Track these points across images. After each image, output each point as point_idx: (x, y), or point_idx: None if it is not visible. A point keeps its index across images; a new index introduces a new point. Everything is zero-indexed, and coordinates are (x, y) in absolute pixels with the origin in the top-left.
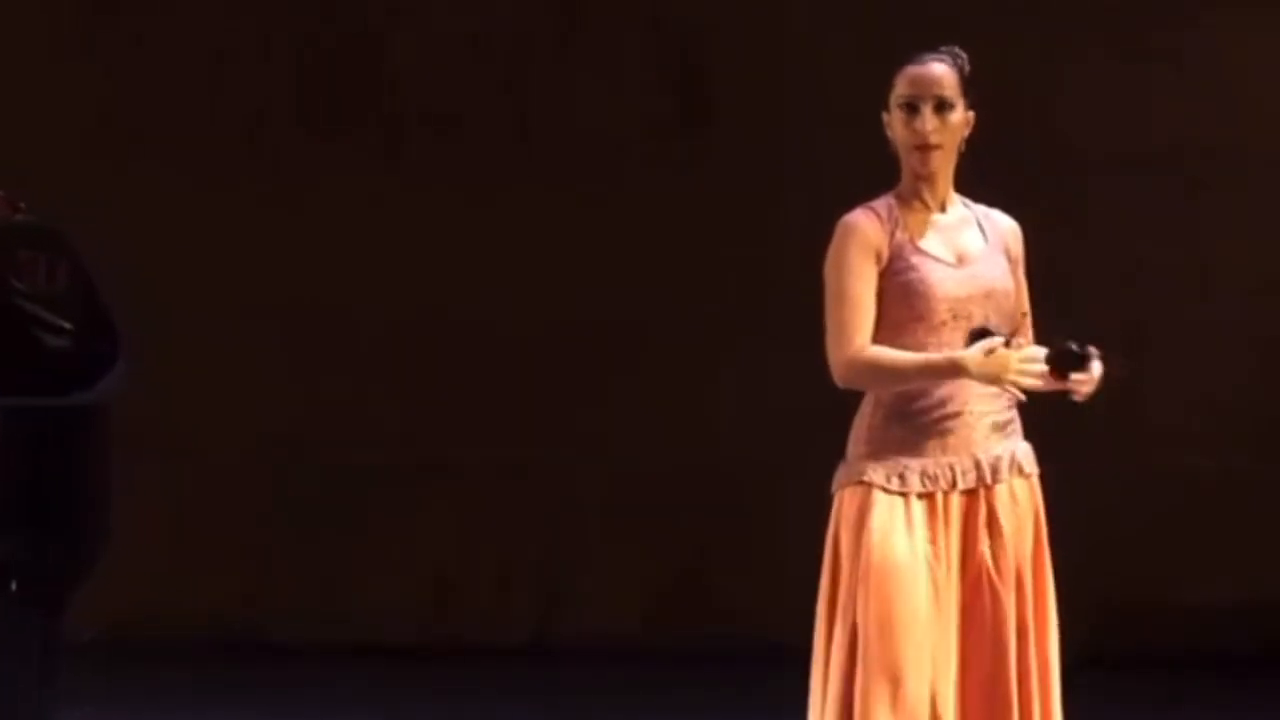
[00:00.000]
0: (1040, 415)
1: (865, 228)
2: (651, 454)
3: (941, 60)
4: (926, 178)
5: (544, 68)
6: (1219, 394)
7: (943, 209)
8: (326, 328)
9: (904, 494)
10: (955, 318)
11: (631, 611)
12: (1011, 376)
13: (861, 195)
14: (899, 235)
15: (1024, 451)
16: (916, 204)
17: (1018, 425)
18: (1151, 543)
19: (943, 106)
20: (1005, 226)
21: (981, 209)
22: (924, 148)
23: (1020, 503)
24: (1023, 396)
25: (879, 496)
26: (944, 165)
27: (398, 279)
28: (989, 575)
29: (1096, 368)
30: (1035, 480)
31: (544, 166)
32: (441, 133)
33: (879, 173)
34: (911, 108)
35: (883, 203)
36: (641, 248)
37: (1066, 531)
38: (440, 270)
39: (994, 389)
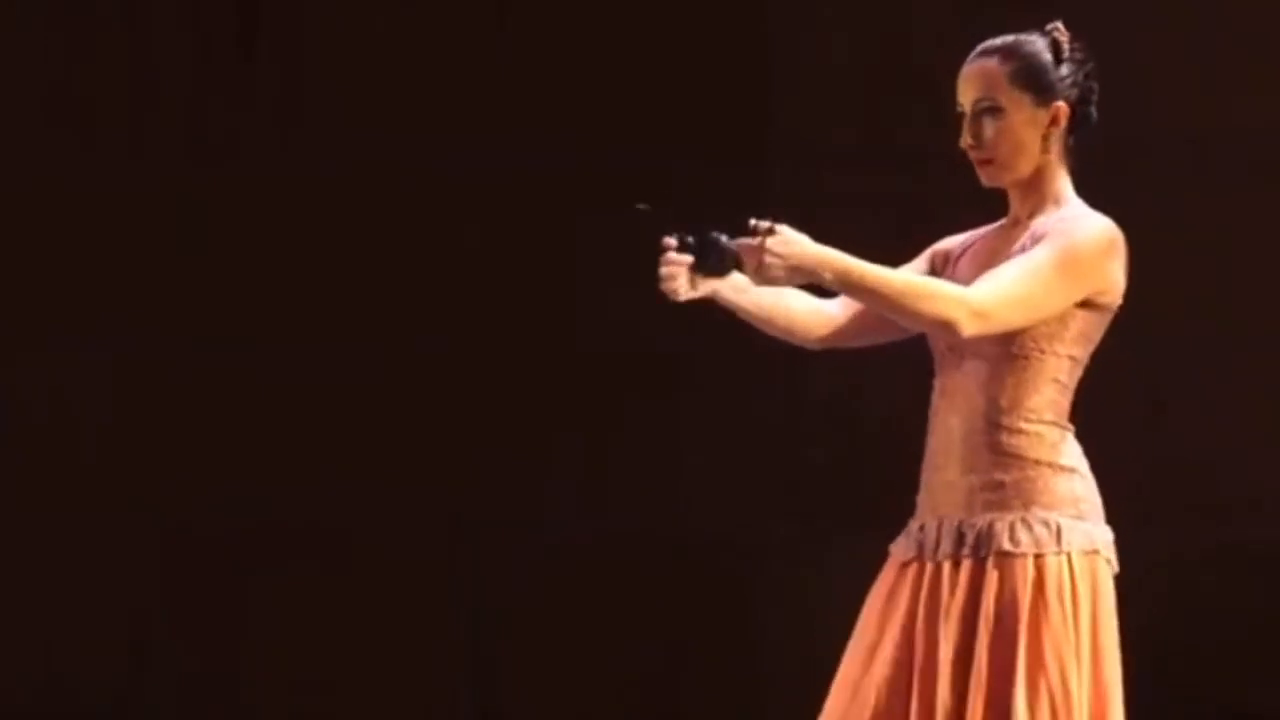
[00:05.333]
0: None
1: (940, 243)
2: (602, 531)
3: (989, 55)
4: (1008, 190)
5: None
6: None
7: (1017, 222)
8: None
9: (900, 561)
10: (950, 348)
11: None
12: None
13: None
14: (957, 252)
15: (1012, 523)
16: (1007, 219)
17: (1031, 490)
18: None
19: (987, 112)
20: (1053, 224)
21: (1064, 213)
22: (977, 164)
23: (989, 589)
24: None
25: (887, 563)
26: (1014, 176)
27: (294, 322)
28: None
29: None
30: (1037, 561)
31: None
32: None
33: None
34: (961, 115)
35: (993, 225)
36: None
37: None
38: (346, 313)
39: (989, 441)
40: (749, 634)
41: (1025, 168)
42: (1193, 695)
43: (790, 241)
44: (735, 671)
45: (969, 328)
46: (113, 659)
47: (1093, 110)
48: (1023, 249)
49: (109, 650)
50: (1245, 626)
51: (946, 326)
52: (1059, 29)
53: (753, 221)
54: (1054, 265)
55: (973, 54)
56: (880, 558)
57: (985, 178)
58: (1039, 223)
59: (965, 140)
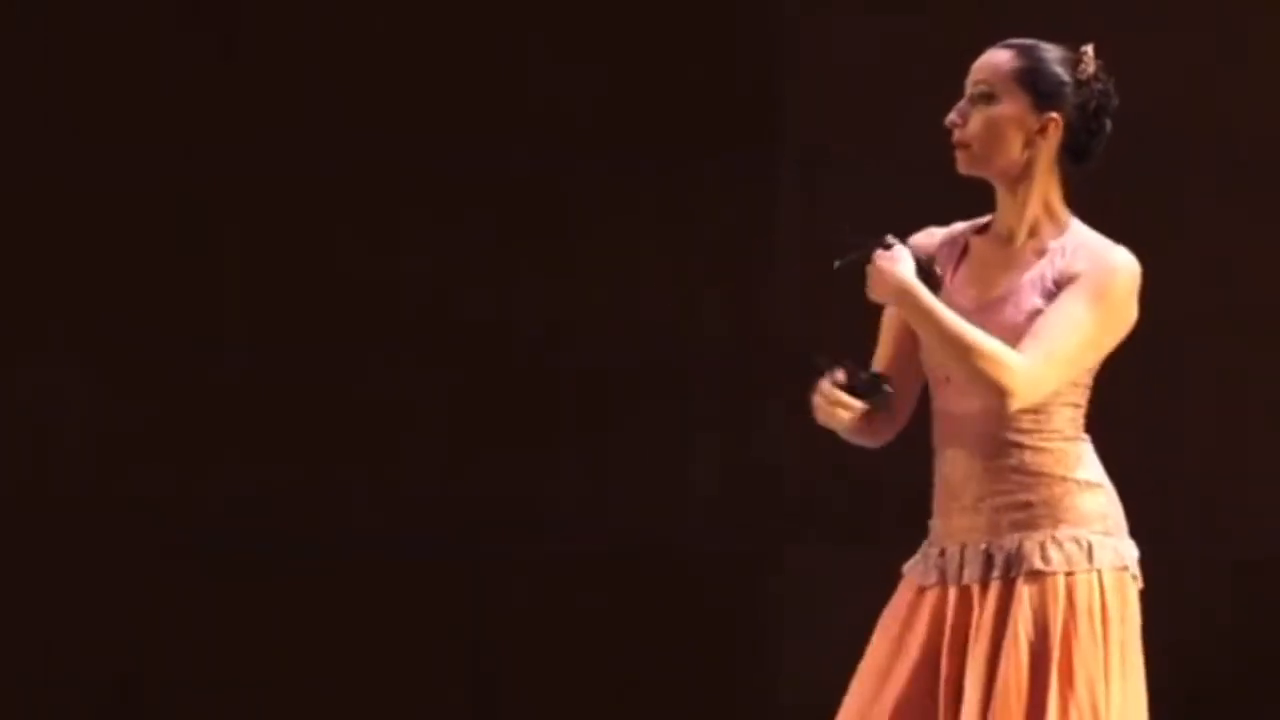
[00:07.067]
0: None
1: (918, 240)
2: (603, 534)
3: (1006, 47)
4: (997, 195)
5: None
6: None
7: (1011, 239)
8: (217, 375)
9: (918, 585)
10: (949, 378)
11: None
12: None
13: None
14: (943, 261)
15: (1042, 542)
16: (991, 232)
17: (1058, 508)
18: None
19: (982, 97)
20: (1077, 260)
21: (1075, 240)
22: (955, 145)
23: (1020, 608)
24: None
25: (901, 586)
26: (986, 170)
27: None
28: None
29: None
30: (1068, 580)
31: None
32: None
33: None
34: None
35: (965, 226)
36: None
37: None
38: (346, 313)
39: (1012, 463)
40: (749, 638)
41: (999, 164)
42: (1199, 707)
43: (899, 261)
44: (735, 676)
45: (1022, 399)
46: (112, 659)
47: (1095, 145)
48: (1043, 281)
49: (109, 651)
50: (1252, 639)
51: (1000, 393)
52: (1087, 53)
53: (888, 238)
54: (1095, 320)
55: (994, 45)
56: (880, 564)
57: (959, 163)
58: (1056, 250)
59: (951, 117)
